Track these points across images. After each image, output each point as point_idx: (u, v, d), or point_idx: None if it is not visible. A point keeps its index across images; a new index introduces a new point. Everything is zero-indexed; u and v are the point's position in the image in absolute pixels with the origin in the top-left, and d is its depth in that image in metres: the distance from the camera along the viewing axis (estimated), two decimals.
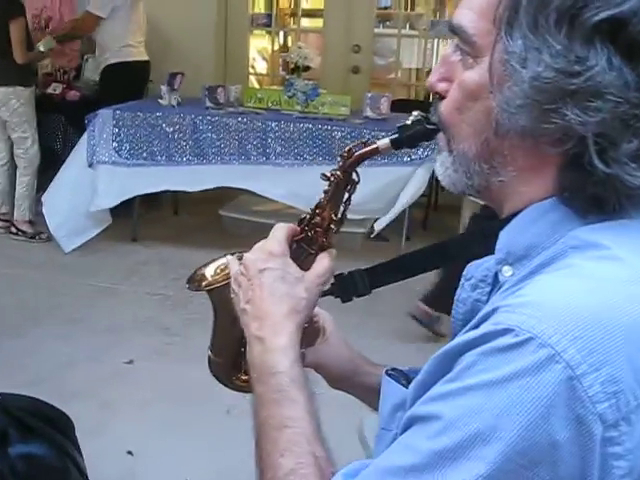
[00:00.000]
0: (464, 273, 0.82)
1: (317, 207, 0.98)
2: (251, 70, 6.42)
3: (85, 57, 5.62)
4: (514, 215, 0.76)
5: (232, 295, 0.95)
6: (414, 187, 4.21)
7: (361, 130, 4.28)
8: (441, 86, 0.80)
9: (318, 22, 6.12)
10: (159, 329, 3.59)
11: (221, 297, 1.05)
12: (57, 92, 5.25)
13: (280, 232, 0.94)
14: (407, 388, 0.79)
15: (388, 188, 4.16)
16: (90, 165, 4.46)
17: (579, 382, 0.58)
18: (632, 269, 0.66)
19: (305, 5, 6.50)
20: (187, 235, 4.80)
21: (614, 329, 0.61)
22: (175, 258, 4.33)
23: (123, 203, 4.48)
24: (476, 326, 0.68)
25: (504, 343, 0.61)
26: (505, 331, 0.62)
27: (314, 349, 1.07)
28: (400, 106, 4.80)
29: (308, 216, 0.99)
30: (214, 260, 1.09)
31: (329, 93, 4.79)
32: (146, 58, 5.22)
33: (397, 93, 5.71)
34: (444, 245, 0.96)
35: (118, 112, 4.48)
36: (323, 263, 0.94)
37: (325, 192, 0.97)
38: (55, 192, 4.52)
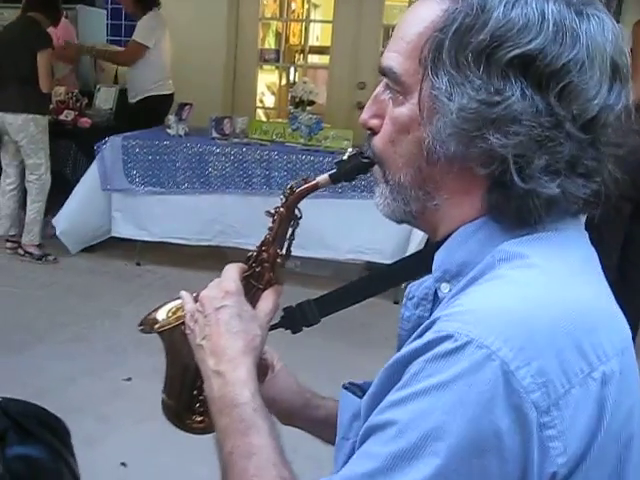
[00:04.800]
0: (406, 293, 0.90)
1: (263, 244, 1.02)
2: (259, 104, 6.60)
3: (97, 86, 5.81)
4: (448, 236, 0.84)
5: (187, 331, 0.98)
6: None
7: None
8: (373, 122, 0.88)
9: (326, 59, 6.31)
10: (158, 350, 3.67)
11: (173, 340, 1.08)
12: (69, 119, 5.41)
13: (233, 271, 0.99)
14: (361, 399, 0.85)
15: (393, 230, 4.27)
16: (103, 190, 4.68)
17: (513, 376, 0.66)
18: (548, 273, 0.75)
19: (314, 42, 6.69)
20: (191, 260, 4.90)
21: (540, 327, 0.69)
22: (178, 283, 4.43)
23: None
24: (420, 336, 0.74)
25: (446, 348, 0.69)
26: (446, 337, 0.69)
27: (264, 385, 1.09)
28: None
29: (255, 253, 1.03)
30: (166, 303, 1.12)
31: (333, 127, 4.93)
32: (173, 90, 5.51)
33: None
34: (387, 270, 1.03)
35: (127, 141, 4.66)
36: (270, 299, 0.99)
37: (270, 229, 1.02)
38: (68, 214, 4.70)
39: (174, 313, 1.09)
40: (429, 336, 0.72)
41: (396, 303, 4.03)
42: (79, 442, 1.82)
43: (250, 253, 1.04)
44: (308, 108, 4.90)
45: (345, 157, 0.95)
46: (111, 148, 4.63)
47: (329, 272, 4.74)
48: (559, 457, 0.68)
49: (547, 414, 0.67)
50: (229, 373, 0.90)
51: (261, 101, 6.71)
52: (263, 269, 1.02)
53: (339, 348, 3.67)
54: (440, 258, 0.84)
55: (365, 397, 0.82)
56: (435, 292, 0.85)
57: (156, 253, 4.98)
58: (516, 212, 0.78)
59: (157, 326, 1.10)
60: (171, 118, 4.87)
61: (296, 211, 1.01)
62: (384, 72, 0.84)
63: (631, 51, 3.79)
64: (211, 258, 4.85)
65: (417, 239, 4.26)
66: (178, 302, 1.08)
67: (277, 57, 6.51)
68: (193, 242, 4.68)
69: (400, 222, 0.92)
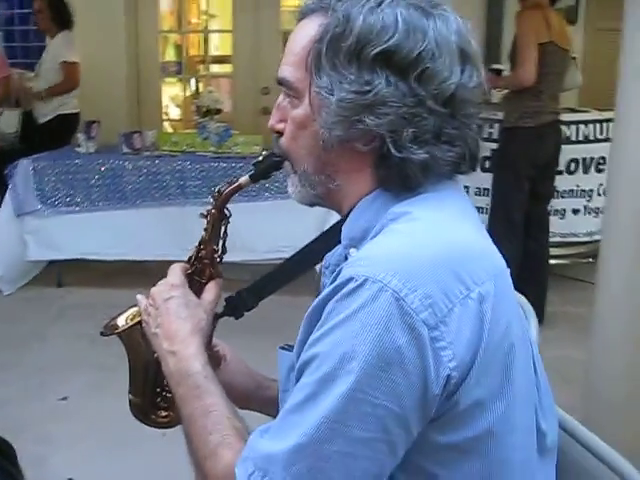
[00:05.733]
0: (323, 264, 1.06)
1: (200, 243, 1.17)
2: (165, 116, 6.63)
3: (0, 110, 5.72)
4: (351, 211, 1.01)
5: (143, 325, 1.13)
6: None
7: None
8: (279, 126, 1.05)
9: (227, 67, 6.41)
10: (91, 367, 3.70)
11: (132, 341, 1.21)
12: None
13: (176, 268, 1.15)
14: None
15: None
16: (18, 216, 4.62)
17: (404, 301, 0.82)
18: (427, 222, 0.92)
19: (215, 52, 6.77)
20: (111, 277, 4.91)
21: (422, 261, 0.85)
22: (101, 301, 4.41)
23: None
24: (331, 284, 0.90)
25: (348, 288, 0.85)
26: (348, 280, 0.85)
27: (219, 373, 1.18)
28: None
29: (194, 253, 1.18)
30: (126, 309, 1.23)
31: (241, 134, 5.03)
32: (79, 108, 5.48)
33: None
34: (307, 249, 1.18)
35: (37, 162, 4.64)
36: (213, 290, 1.15)
37: (205, 229, 1.17)
38: None
39: (132, 319, 1.21)
40: (335, 282, 0.88)
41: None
42: (24, 464, 1.88)
43: (190, 254, 1.18)
44: (215, 117, 5.00)
45: (260, 158, 1.11)
46: (21, 172, 4.60)
47: (249, 275, 4.82)
48: (450, 362, 0.83)
49: (436, 329, 0.82)
50: (181, 351, 1.05)
51: (166, 113, 6.73)
52: (203, 265, 1.17)
53: (261, 348, 3.78)
54: (346, 229, 1.01)
55: (295, 346, 0.97)
56: (346, 257, 1.01)
57: (76, 273, 4.96)
58: (399, 179, 0.95)
59: (117, 330, 1.22)
60: (80, 137, 4.87)
61: (225, 211, 1.16)
62: (281, 82, 1.03)
63: (515, 39, 4.07)
64: (131, 273, 4.86)
65: None
66: (135, 309, 1.21)
67: (179, 69, 6.56)
68: (112, 258, 4.68)
69: (312, 205, 1.09)
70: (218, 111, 5.00)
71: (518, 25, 4.05)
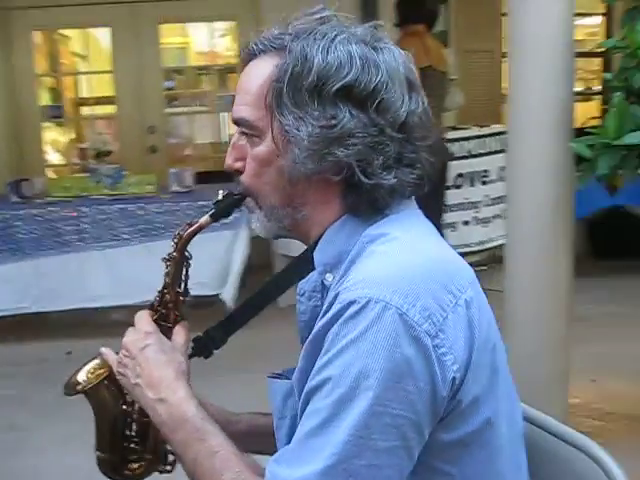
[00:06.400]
0: (297, 291, 1.08)
1: (164, 288, 1.16)
2: (48, 162, 6.43)
3: None
4: (319, 239, 1.04)
5: (119, 377, 1.11)
6: (241, 249, 4.50)
7: (172, 204, 4.54)
8: (237, 165, 1.07)
9: (111, 108, 6.31)
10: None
11: (98, 396, 1.19)
12: None
13: (144, 315, 1.14)
14: (290, 379, 1.02)
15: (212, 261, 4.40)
16: None
17: (407, 315, 0.88)
18: (405, 241, 0.98)
19: (96, 93, 6.63)
20: (11, 331, 4.69)
21: (415, 278, 0.91)
22: (2, 357, 4.25)
23: None
24: (326, 312, 0.94)
25: (352, 311, 0.89)
26: (350, 303, 0.89)
27: None
28: (203, 178, 5.10)
29: (157, 298, 1.16)
30: (83, 366, 1.20)
31: (134, 174, 4.99)
32: None
33: (196, 167, 6.00)
34: (275, 279, 1.20)
35: None
36: (182, 333, 1.15)
37: (166, 274, 1.16)
38: None
39: (93, 372, 1.19)
40: (336, 307, 0.91)
41: None
42: None
43: (151, 302, 1.17)
44: (106, 159, 4.93)
45: (220, 197, 1.12)
46: None
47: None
48: (453, 365, 0.90)
49: (437, 337, 0.89)
50: (170, 397, 1.05)
51: (47, 160, 6.53)
52: (168, 310, 1.17)
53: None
54: (318, 255, 1.04)
55: (295, 374, 0.99)
56: (322, 283, 1.04)
57: None
58: (368, 204, 1.01)
59: (80, 387, 1.18)
60: None
61: (186, 253, 1.16)
62: (238, 122, 1.05)
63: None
64: (33, 326, 4.69)
65: (236, 267, 4.46)
66: (94, 363, 1.19)
67: (59, 113, 6.39)
68: (11, 312, 4.50)
69: (276, 238, 1.13)
70: (108, 153, 4.96)
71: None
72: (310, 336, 0.96)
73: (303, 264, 1.08)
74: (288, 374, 1.07)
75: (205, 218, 1.12)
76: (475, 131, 4.97)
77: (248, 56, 1.06)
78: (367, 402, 0.86)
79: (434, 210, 4.41)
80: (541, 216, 2.69)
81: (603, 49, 6.38)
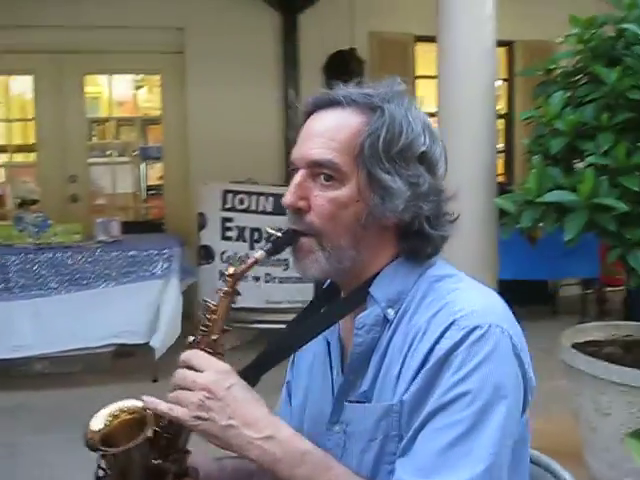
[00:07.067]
0: (355, 324, 1.12)
1: (206, 325, 1.12)
2: None
3: None
4: (371, 279, 1.13)
5: (198, 422, 1.03)
6: (172, 298, 4.52)
7: (100, 253, 4.55)
8: (301, 203, 1.12)
9: (31, 156, 6.26)
10: None
11: (129, 457, 1.10)
12: None
13: (203, 355, 1.09)
14: (370, 403, 1.10)
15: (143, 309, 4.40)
16: None
17: (512, 338, 1.05)
18: (470, 280, 1.15)
19: (15, 141, 6.53)
20: None
21: (504, 308, 1.10)
22: None
23: None
24: (438, 340, 1.04)
25: (478, 334, 1.03)
26: (474, 329, 1.03)
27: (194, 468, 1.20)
28: (128, 227, 5.17)
29: (201, 336, 1.12)
30: (97, 414, 1.14)
31: (56, 223, 4.95)
32: None
33: (117, 216, 5.99)
34: (306, 321, 1.21)
35: None
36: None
37: (213, 312, 1.12)
38: None
39: (116, 417, 1.15)
40: (459, 333, 1.03)
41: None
42: None
43: (192, 339, 1.13)
44: (32, 207, 4.90)
45: (279, 234, 1.14)
46: None
47: (80, 366, 4.73)
48: (530, 380, 1.09)
49: (520, 357, 1.07)
50: (278, 433, 1.05)
51: None
52: (214, 347, 1.11)
53: None
54: (379, 293, 1.13)
55: (409, 396, 1.05)
56: (385, 317, 1.12)
57: None
58: (429, 250, 1.15)
59: (110, 449, 1.10)
60: None
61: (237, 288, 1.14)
62: (320, 164, 1.11)
63: None
64: None
65: (166, 316, 4.49)
66: (110, 409, 1.16)
67: None
68: None
69: (326, 279, 1.21)
70: (34, 202, 4.93)
71: None
72: (431, 362, 1.04)
73: (345, 304, 1.17)
74: (365, 396, 1.12)
75: (260, 253, 1.13)
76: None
77: (327, 103, 1.15)
78: (505, 407, 1.01)
79: None
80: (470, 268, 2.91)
81: (506, 111, 6.95)
